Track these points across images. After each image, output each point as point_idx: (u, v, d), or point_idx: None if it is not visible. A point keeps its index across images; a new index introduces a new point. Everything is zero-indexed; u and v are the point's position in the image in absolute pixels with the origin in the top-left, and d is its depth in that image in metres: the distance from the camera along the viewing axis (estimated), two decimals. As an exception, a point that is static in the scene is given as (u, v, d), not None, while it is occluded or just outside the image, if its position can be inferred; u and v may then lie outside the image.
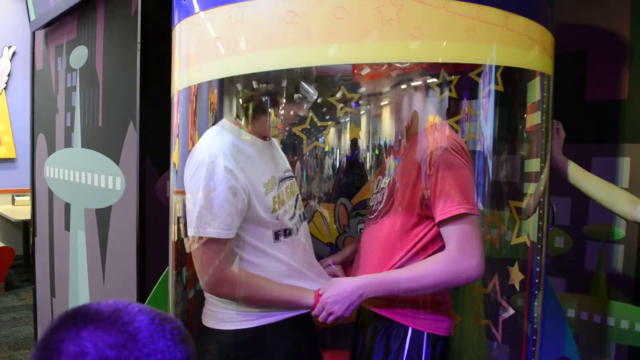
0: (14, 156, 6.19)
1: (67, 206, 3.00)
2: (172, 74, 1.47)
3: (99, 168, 2.59)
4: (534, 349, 1.50)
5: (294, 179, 1.52)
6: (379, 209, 1.49)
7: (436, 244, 1.39)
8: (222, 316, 1.41)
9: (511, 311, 1.73)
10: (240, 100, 1.38)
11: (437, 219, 1.35)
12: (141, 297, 2.15)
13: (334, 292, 1.37)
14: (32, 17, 3.34)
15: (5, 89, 6.24)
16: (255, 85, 1.34)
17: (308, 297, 1.39)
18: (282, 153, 1.56)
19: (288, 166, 1.54)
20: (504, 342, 1.74)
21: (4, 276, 5.30)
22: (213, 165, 1.29)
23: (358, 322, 1.61)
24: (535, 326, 1.52)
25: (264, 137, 1.44)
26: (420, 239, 1.39)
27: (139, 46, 2.20)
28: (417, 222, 1.39)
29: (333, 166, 2.18)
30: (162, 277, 1.89)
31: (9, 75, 6.27)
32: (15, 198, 5.99)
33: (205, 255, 1.32)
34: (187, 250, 1.58)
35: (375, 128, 2.05)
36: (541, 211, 1.51)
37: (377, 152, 2.09)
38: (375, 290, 1.37)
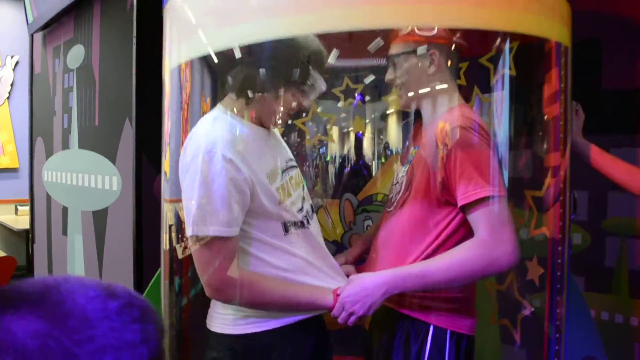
0: (17, 165, 6.13)
1: (65, 210, 2.92)
2: (163, 58, 1.38)
3: (95, 168, 2.50)
4: (557, 348, 1.39)
5: (297, 169, 1.41)
6: (397, 199, 1.38)
7: (460, 233, 1.27)
8: (232, 319, 1.28)
9: (530, 309, 1.62)
10: (237, 82, 1.25)
11: (460, 203, 1.22)
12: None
13: (354, 290, 1.24)
14: (30, 20, 3.28)
15: (8, 98, 6.20)
16: (253, 64, 1.22)
17: (326, 296, 1.27)
18: (283, 142, 1.45)
19: (290, 155, 1.43)
20: (523, 342, 1.63)
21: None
22: (210, 155, 1.17)
23: (373, 321, 1.48)
24: (558, 323, 1.41)
25: (263, 126, 1.33)
26: (443, 229, 1.27)
27: (134, 40, 2.12)
28: (438, 209, 1.27)
29: (337, 160, 2.09)
30: (154, 279, 1.80)
31: (12, 84, 6.23)
32: (18, 208, 5.92)
33: (206, 257, 1.20)
34: (180, 257, 1.50)
35: (380, 119, 1.96)
36: (562, 198, 1.40)
37: (383, 145, 2.00)
38: (399, 286, 1.23)
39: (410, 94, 1.37)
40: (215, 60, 1.22)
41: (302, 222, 1.31)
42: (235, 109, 1.27)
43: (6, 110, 6.18)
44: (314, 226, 1.38)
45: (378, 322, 1.44)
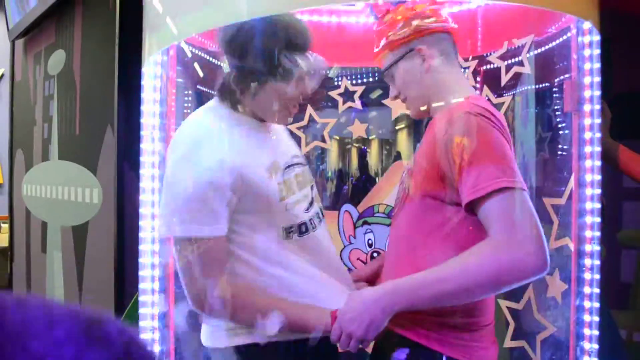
0: (1, 181, 5.93)
1: (44, 226, 2.75)
2: (143, 51, 1.23)
3: (75, 180, 2.34)
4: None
5: (305, 166, 1.26)
6: (398, 202, 1.21)
7: (471, 237, 1.05)
8: (226, 331, 1.13)
9: (552, 329, 1.47)
10: (223, 74, 1.13)
11: (469, 198, 1.01)
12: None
13: (350, 308, 1.06)
14: (11, 25, 3.14)
15: (-8, 112, 6.03)
16: (234, 53, 1.09)
17: (321, 318, 1.09)
18: (287, 137, 1.29)
19: (297, 151, 1.27)
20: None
21: (-14, 307, 4.99)
22: (195, 149, 1.07)
23: (376, 350, 1.28)
24: (585, 345, 1.26)
25: (261, 120, 1.18)
26: (449, 232, 1.07)
27: (117, 40, 1.98)
28: (441, 209, 1.08)
29: (336, 168, 1.94)
30: (132, 303, 1.64)
31: (-4, 98, 6.06)
32: (2, 225, 5.72)
33: (190, 261, 1.06)
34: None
35: (383, 123, 1.82)
36: (591, 205, 1.26)
37: (386, 150, 1.86)
38: (401, 301, 1.03)
39: (418, 101, 1.20)
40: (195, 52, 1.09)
41: (306, 225, 1.16)
42: (229, 101, 1.14)
43: (-10, 124, 6.00)
44: (323, 231, 1.23)
45: (382, 349, 1.25)
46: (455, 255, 1.03)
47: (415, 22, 1.17)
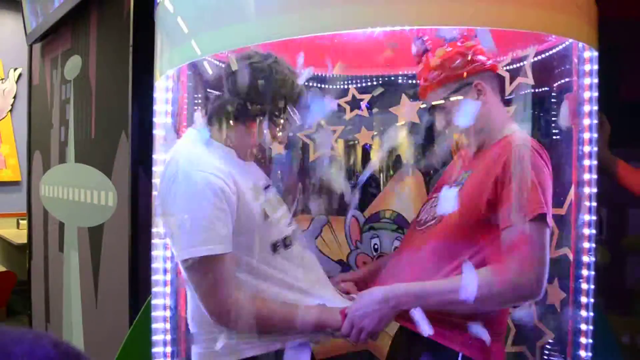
0: (19, 179, 6.05)
1: (62, 226, 2.83)
2: (155, 67, 1.29)
3: (91, 183, 2.41)
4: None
5: (274, 190, 1.35)
6: (436, 216, 1.28)
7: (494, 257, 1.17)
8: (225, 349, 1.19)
9: (550, 336, 1.51)
10: (213, 108, 1.22)
11: (502, 226, 1.13)
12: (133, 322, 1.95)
13: (362, 304, 1.18)
14: (28, 30, 3.22)
15: (10, 111, 6.13)
16: (230, 92, 1.18)
17: (334, 316, 1.20)
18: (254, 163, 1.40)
19: (263, 173, 1.37)
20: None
21: (5, 301, 5.11)
22: (192, 173, 1.14)
23: (395, 346, 1.39)
24: (581, 354, 1.29)
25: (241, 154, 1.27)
26: (477, 251, 1.17)
27: (131, 49, 2.04)
28: (477, 229, 1.18)
29: (343, 174, 1.98)
30: (145, 305, 1.69)
31: (14, 97, 6.16)
32: (20, 222, 5.83)
33: (206, 279, 1.14)
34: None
35: (389, 131, 1.85)
36: (588, 217, 1.29)
37: (392, 158, 1.89)
38: (409, 303, 1.15)
39: (472, 131, 1.28)
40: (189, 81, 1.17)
41: (290, 238, 1.25)
42: (211, 132, 1.24)
43: (9, 123, 6.11)
44: (303, 244, 1.31)
45: (397, 346, 1.34)
46: None
47: (473, 58, 1.25)
